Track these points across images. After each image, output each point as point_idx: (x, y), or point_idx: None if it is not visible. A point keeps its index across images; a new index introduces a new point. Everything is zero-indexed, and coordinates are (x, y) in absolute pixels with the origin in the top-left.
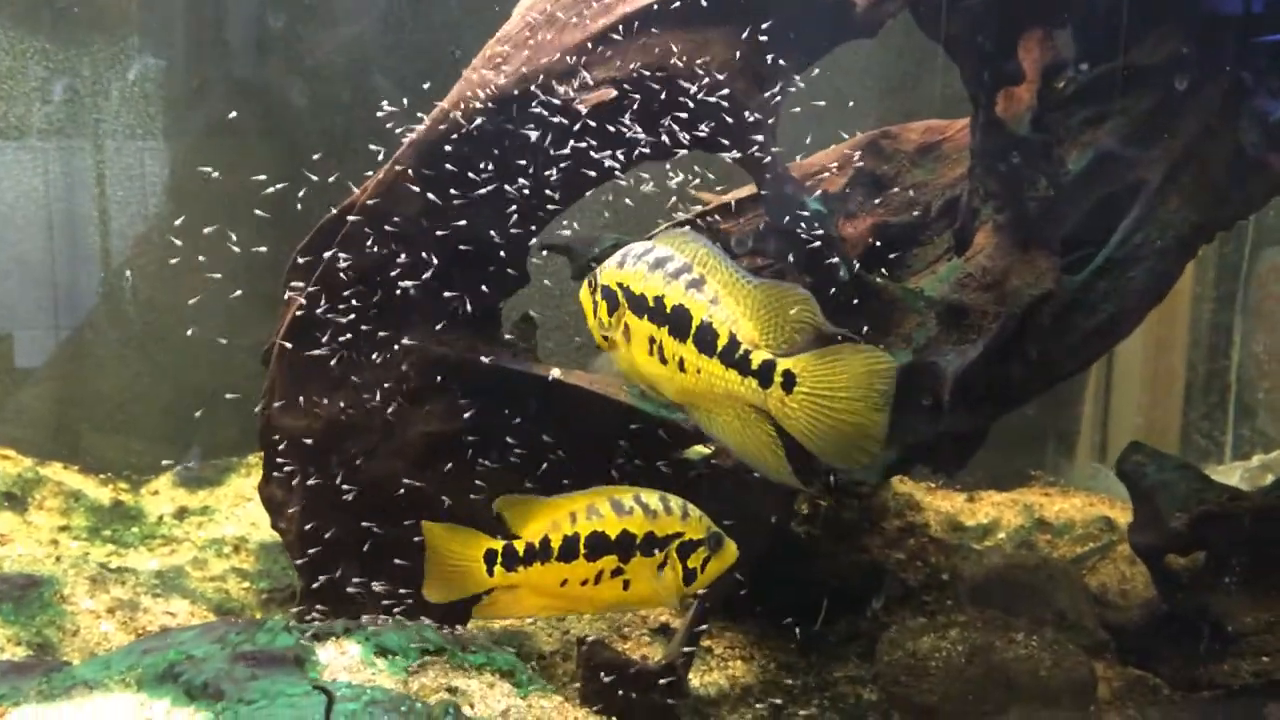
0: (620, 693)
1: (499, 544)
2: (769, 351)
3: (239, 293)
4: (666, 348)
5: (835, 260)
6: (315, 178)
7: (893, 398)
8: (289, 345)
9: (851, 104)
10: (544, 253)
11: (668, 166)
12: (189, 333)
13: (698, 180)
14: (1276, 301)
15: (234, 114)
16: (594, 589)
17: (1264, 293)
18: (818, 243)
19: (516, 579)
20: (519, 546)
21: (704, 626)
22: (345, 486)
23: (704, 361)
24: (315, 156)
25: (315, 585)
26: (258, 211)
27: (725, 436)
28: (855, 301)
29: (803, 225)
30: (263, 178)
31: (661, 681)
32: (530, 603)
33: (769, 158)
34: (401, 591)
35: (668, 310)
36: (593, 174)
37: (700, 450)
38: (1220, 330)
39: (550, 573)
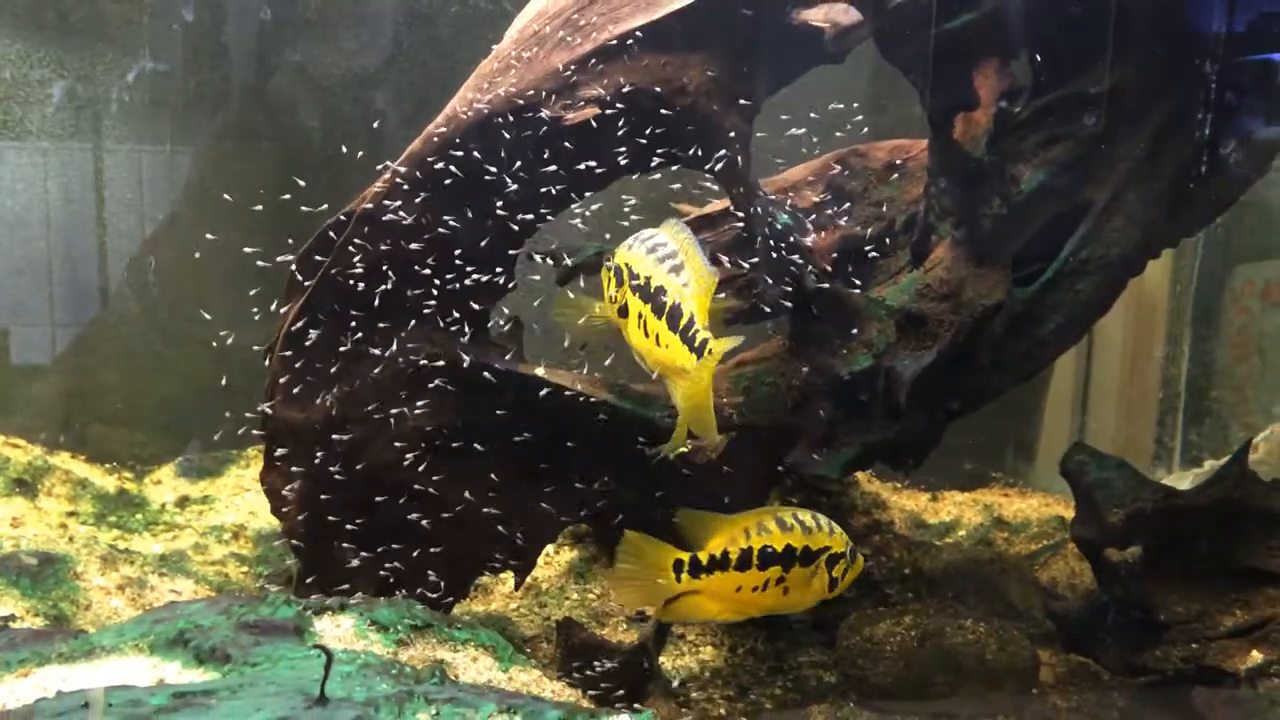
0: (594, 670)
1: (686, 555)
2: (707, 331)
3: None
4: (649, 323)
5: (803, 270)
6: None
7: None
8: (290, 342)
9: (829, 122)
10: (532, 259)
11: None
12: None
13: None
14: (1248, 315)
15: (245, 125)
16: (760, 595)
17: (1237, 306)
18: (786, 253)
19: (699, 585)
20: (703, 558)
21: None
22: (339, 477)
23: (670, 338)
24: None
25: (312, 569)
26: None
27: (680, 405)
28: (820, 309)
29: (773, 237)
30: (292, 199)
31: (633, 660)
32: (707, 607)
33: (741, 173)
34: (395, 575)
35: (651, 290)
36: (577, 186)
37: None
38: (1178, 342)
39: (727, 581)
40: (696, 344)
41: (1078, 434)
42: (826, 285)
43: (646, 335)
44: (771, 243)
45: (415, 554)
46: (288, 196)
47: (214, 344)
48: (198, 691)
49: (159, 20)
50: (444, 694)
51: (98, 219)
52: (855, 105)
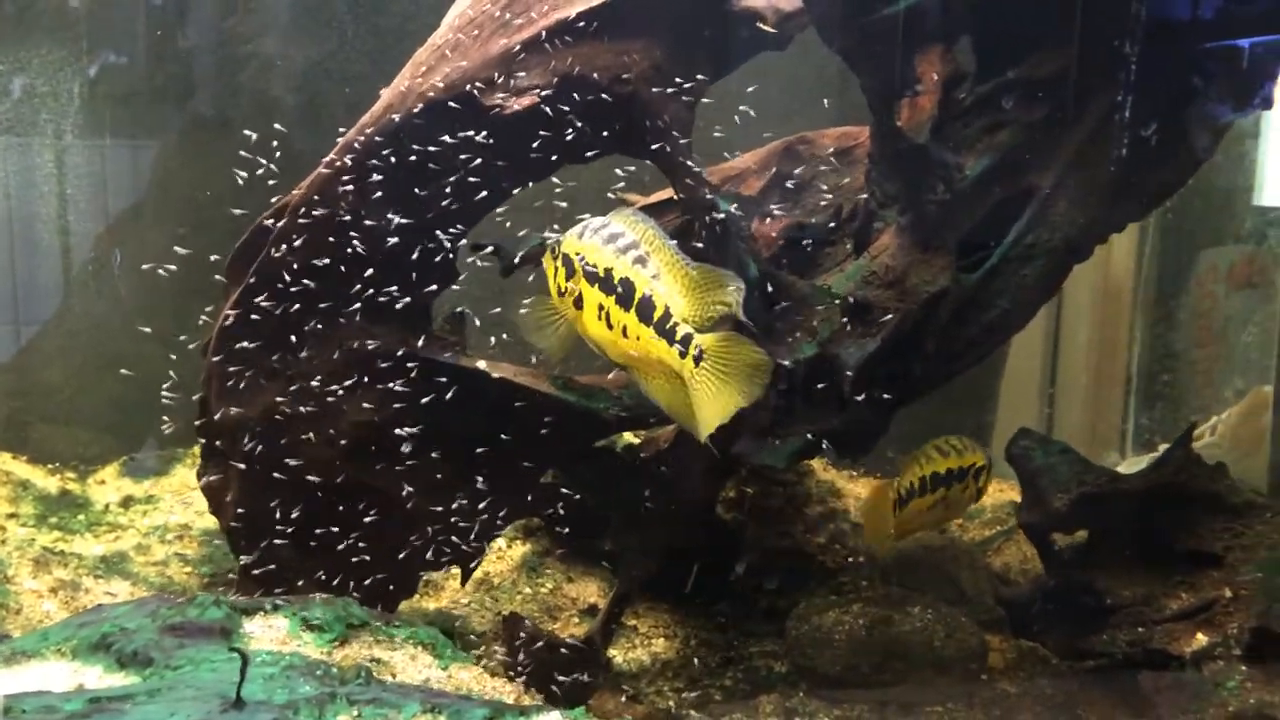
0: (539, 664)
1: (899, 491)
2: (691, 327)
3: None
4: (612, 315)
5: (746, 258)
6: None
7: (763, 390)
8: (226, 338)
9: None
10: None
11: None
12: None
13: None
14: (1213, 300)
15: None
16: (928, 514)
17: (1201, 291)
18: (728, 240)
19: (900, 516)
20: (904, 490)
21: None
22: (279, 474)
23: (642, 330)
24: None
25: (252, 569)
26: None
27: (657, 397)
28: (765, 297)
29: (714, 225)
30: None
31: (580, 654)
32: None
33: (684, 160)
34: (337, 573)
35: (615, 282)
36: (518, 175)
37: (628, 439)
38: (1153, 330)
39: (914, 505)
40: (678, 338)
41: (1044, 420)
42: (771, 273)
43: (610, 327)
44: (716, 230)
45: (358, 551)
46: (213, 185)
47: (163, 342)
48: (114, 696)
49: (109, 13)
50: (367, 695)
51: (55, 215)
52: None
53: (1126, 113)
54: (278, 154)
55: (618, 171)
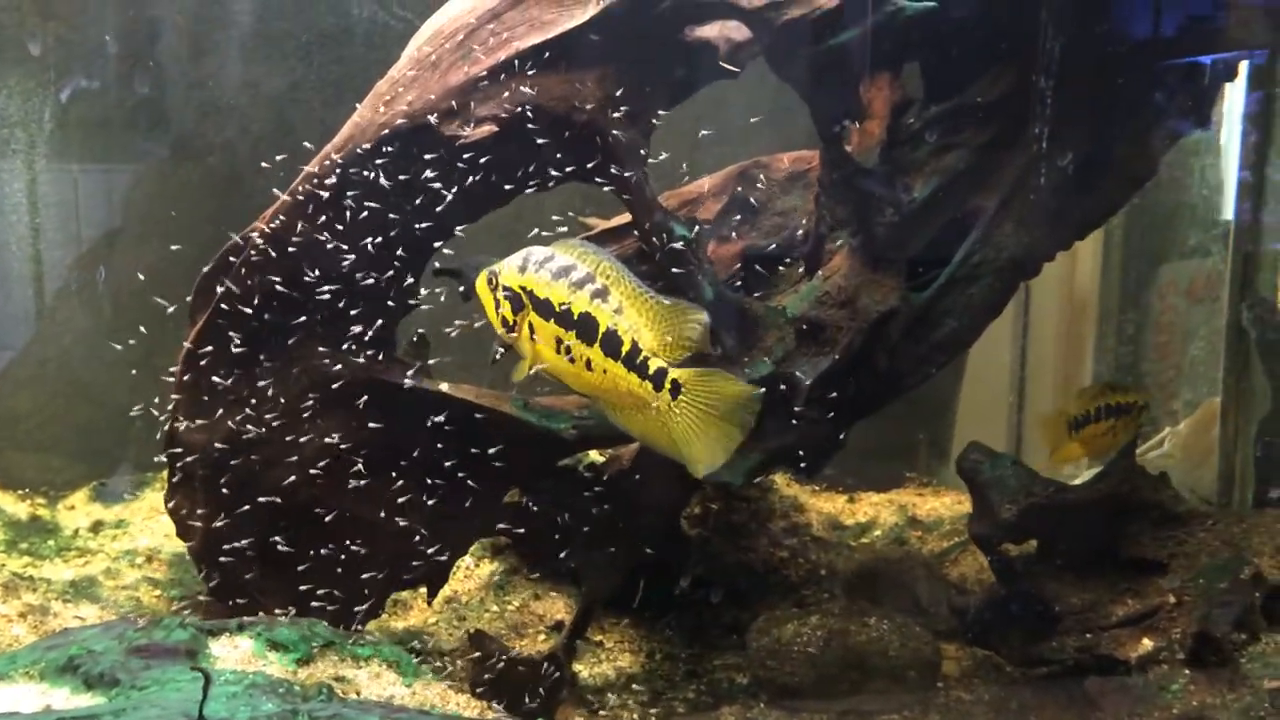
0: (503, 680)
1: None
2: (663, 360)
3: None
4: (575, 349)
5: (702, 280)
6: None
7: (753, 425)
8: (191, 364)
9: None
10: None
11: None
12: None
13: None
14: (1174, 313)
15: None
16: (1100, 439)
17: (1163, 304)
18: (683, 264)
19: (1077, 438)
20: (1079, 415)
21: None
22: (245, 497)
23: (609, 364)
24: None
25: (220, 591)
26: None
27: (629, 427)
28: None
29: (669, 248)
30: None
31: (544, 669)
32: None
33: (640, 186)
34: (305, 594)
35: (574, 317)
36: (478, 204)
37: (593, 456)
38: (1113, 343)
39: (1090, 429)
40: (651, 372)
41: (1013, 433)
42: (726, 294)
43: (573, 361)
44: (667, 254)
45: (325, 572)
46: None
47: (133, 368)
48: (80, 716)
49: (78, 41)
50: (328, 711)
51: (26, 241)
52: None
53: (1070, 134)
54: (258, 170)
55: (554, 216)
